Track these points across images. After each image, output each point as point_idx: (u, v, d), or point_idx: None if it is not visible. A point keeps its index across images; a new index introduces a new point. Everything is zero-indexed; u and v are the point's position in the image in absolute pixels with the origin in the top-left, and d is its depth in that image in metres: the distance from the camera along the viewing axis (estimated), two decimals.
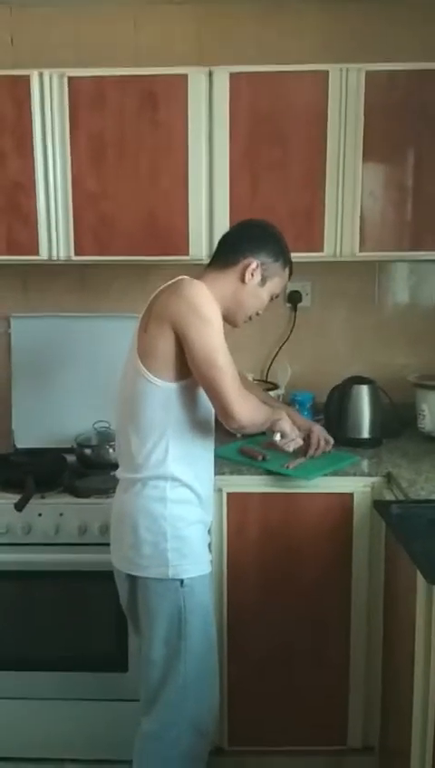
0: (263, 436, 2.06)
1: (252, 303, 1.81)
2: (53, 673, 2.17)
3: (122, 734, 2.06)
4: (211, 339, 1.65)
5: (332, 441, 2.13)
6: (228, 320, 1.82)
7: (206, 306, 1.66)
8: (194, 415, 1.73)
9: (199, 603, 1.75)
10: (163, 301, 1.68)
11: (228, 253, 1.80)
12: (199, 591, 1.75)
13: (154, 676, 1.76)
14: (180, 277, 1.73)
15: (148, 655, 1.76)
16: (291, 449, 1.95)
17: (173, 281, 1.73)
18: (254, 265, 1.77)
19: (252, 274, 1.77)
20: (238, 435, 2.15)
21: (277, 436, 1.90)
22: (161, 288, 1.73)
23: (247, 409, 1.71)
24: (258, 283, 1.79)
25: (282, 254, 1.82)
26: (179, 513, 1.72)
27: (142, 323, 1.72)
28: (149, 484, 1.72)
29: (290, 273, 1.88)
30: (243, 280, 1.77)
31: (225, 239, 1.86)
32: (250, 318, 1.85)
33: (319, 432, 2.10)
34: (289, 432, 1.90)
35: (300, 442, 1.97)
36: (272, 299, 1.86)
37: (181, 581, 1.71)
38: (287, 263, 1.85)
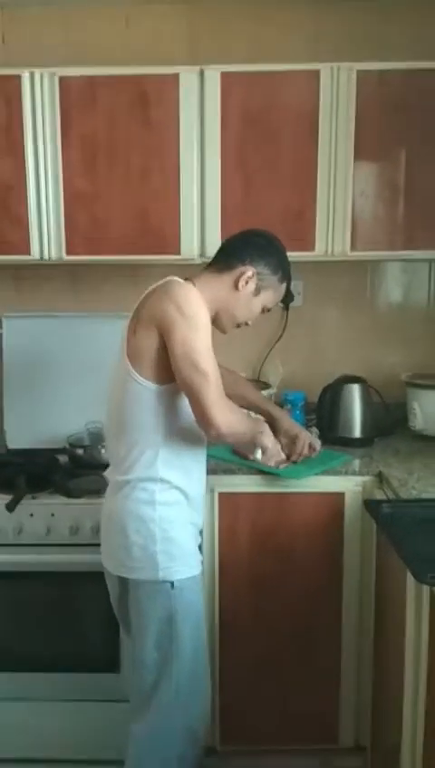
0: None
1: (242, 312, 1.79)
2: (45, 674, 2.16)
3: (114, 735, 2.06)
4: (195, 341, 1.61)
5: (318, 447, 2.09)
6: (217, 325, 1.80)
7: (193, 308, 1.63)
8: (184, 417, 1.71)
9: (190, 604, 1.74)
10: (151, 302, 1.67)
11: (227, 257, 1.78)
12: (190, 593, 1.74)
13: (146, 680, 1.75)
14: (169, 278, 1.71)
15: (140, 658, 1.75)
16: (272, 464, 1.96)
17: (162, 282, 1.71)
18: (250, 273, 1.75)
19: (246, 282, 1.75)
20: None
21: (258, 453, 1.89)
22: (150, 289, 1.71)
23: (228, 419, 1.65)
24: (252, 292, 1.77)
25: (281, 268, 1.80)
26: (168, 516, 1.72)
27: (131, 325, 1.70)
28: (139, 487, 1.71)
29: (287, 290, 1.86)
30: (236, 286, 1.75)
31: (228, 243, 1.84)
32: (238, 326, 1.83)
33: (305, 438, 2.06)
34: (270, 447, 1.91)
35: (282, 456, 1.97)
36: (263, 311, 1.84)
37: (172, 583, 1.71)
38: (286, 278, 1.83)
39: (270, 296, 1.81)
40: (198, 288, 1.73)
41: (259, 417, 2.05)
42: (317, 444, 2.10)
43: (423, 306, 2.63)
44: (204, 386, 1.61)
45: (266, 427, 1.90)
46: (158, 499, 1.71)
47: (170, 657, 1.72)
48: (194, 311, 1.63)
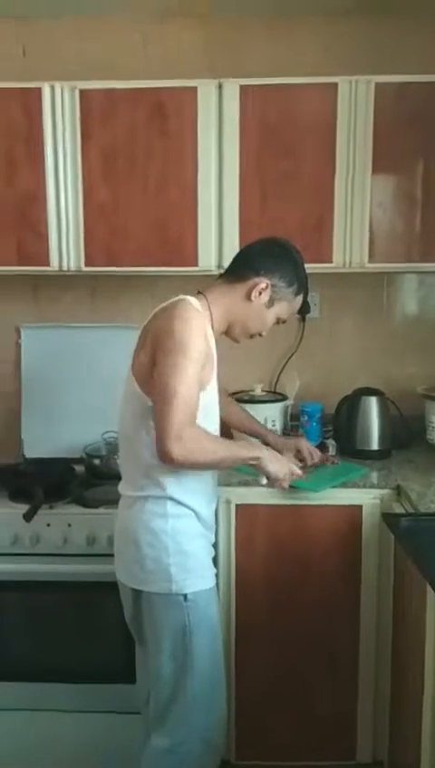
0: None
1: (255, 323, 1.78)
2: (60, 684, 2.16)
3: (128, 746, 2.05)
4: (175, 367, 1.56)
5: (317, 454, 2.12)
6: (229, 335, 1.80)
7: (185, 336, 1.58)
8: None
9: (205, 617, 1.73)
10: (155, 324, 1.66)
11: (242, 267, 1.77)
12: (204, 605, 1.73)
13: (163, 692, 1.74)
14: (179, 298, 1.68)
15: (155, 670, 1.75)
16: (286, 487, 1.82)
17: (170, 302, 1.68)
18: (263, 285, 1.73)
19: (259, 293, 1.73)
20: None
21: (263, 480, 1.79)
22: (160, 308, 1.69)
23: (187, 446, 1.55)
24: (265, 303, 1.75)
25: (297, 280, 1.78)
26: (181, 528, 1.71)
27: (138, 345, 1.69)
28: (150, 501, 1.71)
29: (303, 302, 1.84)
30: (249, 297, 1.74)
31: (243, 252, 1.83)
32: (252, 336, 1.82)
33: (307, 446, 2.09)
34: (274, 473, 1.76)
35: (299, 473, 1.83)
36: (278, 323, 1.82)
37: (185, 596, 1.70)
38: (301, 290, 1.81)
39: (284, 308, 1.80)
40: (211, 299, 1.73)
41: (254, 442, 2.03)
42: (316, 453, 2.12)
43: None
44: (167, 409, 1.55)
45: (263, 452, 1.76)
46: (170, 512, 1.70)
47: (186, 669, 1.71)
48: (187, 338, 1.59)
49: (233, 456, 1.71)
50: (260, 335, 1.83)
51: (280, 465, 1.77)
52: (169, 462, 1.57)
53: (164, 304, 1.70)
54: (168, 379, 1.57)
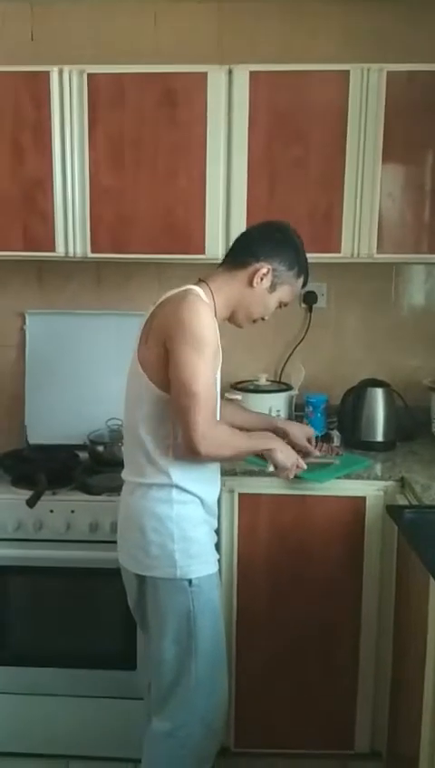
0: None
1: (257, 308, 1.78)
2: (62, 669, 2.17)
3: (129, 732, 2.07)
4: (193, 363, 1.59)
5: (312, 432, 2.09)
6: (233, 321, 1.81)
7: (198, 330, 1.61)
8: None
9: (208, 601, 1.75)
10: (162, 316, 1.66)
11: (242, 253, 1.77)
12: (208, 590, 1.75)
13: (166, 676, 1.76)
14: (185, 289, 1.69)
15: (159, 654, 1.76)
16: (292, 477, 1.88)
17: (176, 293, 1.68)
18: (264, 270, 1.73)
19: (261, 279, 1.74)
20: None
21: (270, 468, 1.85)
22: (165, 297, 1.70)
23: (210, 446, 1.62)
24: (267, 288, 1.75)
25: (298, 262, 1.78)
26: (186, 514, 1.72)
27: (143, 334, 1.70)
28: (155, 487, 1.72)
29: (304, 284, 1.84)
30: (251, 283, 1.74)
31: (242, 237, 1.83)
32: (255, 321, 1.82)
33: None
34: (281, 463, 1.82)
35: (304, 466, 1.88)
36: (280, 306, 1.83)
37: (190, 581, 1.71)
38: (302, 273, 1.81)
39: (286, 292, 1.80)
40: (214, 288, 1.72)
41: (265, 433, 2.00)
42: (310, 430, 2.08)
43: None
44: (191, 406, 1.59)
45: (275, 443, 1.83)
46: (175, 499, 1.71)
47: (190, 652, 1.73)
48: (199, 332, 1.61)
49: (249, 448, 1.80)
50: (263, 319, 1.83)
51: (288, 456, 1.83)
52: (195, 457, 1.64)
53: (170, 294, 1.70)
54: (188, 377, 1.59)
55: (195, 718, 1.76)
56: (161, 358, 1.64)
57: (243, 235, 1.84)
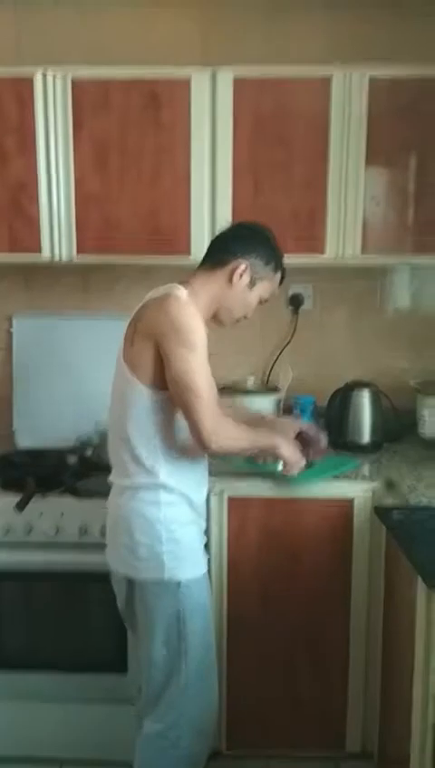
0: None
1: (239, 306, 1.80)
2: (52, 674, 2.16)
3: (120, 735, 2.06)
4: (190, 362, 1.62)
5: (324, 441, 2.06)
6: (216, 321, 1.81)
7: (190, 328, 1.63)
8: (183, 424, 1.70)
9: (197, 603, 1.75)
10: (148, 317, 1.67)
11: (219, 253, 1.78)
12: (197, 592, 1.75)
13: (156, 678, 1.76)
14: (168, 287, 1.70)
15: (149, 656, 1.76)
16: (295, 472, 1.90)
17: (159, 293, 1.69)
18: (243, 267, 1.75)
19: (240, 276, 1.75)
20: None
21: (280, 466, 1.90)
22: (148, 297, 1.71)
23: (220, 438, 1.66)
24: (247, 285, 1.77)
25: (273, 257, 1.80)
26: (174, 516, 1.72)
27: (128, 334, 1.71)
28: (142, 489, 1.72)
29: (282, 278, 1.86)
30: (231, 281, 1.75)
31: (218, 239, 1.84)
32: (238, 321, 1.84)
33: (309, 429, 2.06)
34: (290, 458, 1.86)
35: (304, 461, 1.90)
36: (261, 302, 1.84)
37: (178, 583, 1.71)
38: (279, 267, 1.82)
39: (266, 287, 1.81)
40: (196, 289, 1.73)
41: (275, 419, 2.06)
42: (324, 439, 2.05)
43: (433, 311, 2.62)
44: (196, 405, 1.62)
45: (281, 440, 1.86)
46: (162, 500, 1.72)
47: (179, 654, 1.73)
48: (190, 329, 1.63)
49: (254, 443, 1.83)
50: (245, 317, 1.84)
51: (294, 450, 1.88)
52: (209, 452, 1.71)
53: (155, 294, 1.71)
54: (190, 376, 1.62)
55: (185, 719, 1.76)
56: (151, 357, 1.65)
57: (217, 237, 1.86)
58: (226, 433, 1.68)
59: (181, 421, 1.69)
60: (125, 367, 1.70)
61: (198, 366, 1.63)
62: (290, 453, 1.86)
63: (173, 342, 1.62)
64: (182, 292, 1.69)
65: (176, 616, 1.71)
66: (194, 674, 1.75)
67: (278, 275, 1.84)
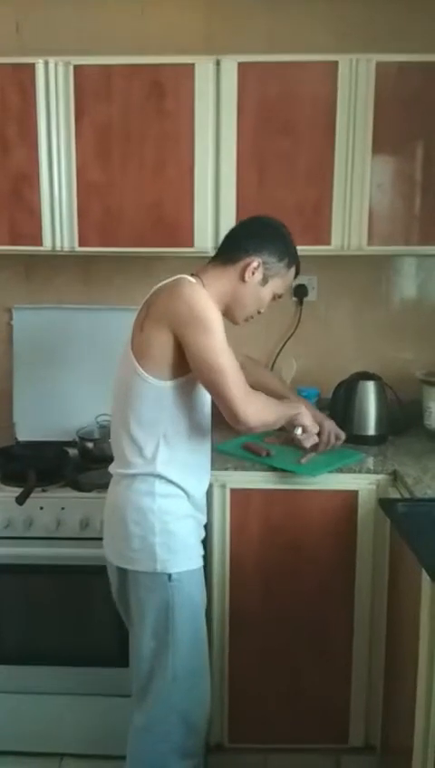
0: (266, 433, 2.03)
1: (251, 303, 1.78)
2: (53, 667, 2.15)
3: (121, 730, 2.04)
4: (211, 343, 1.61)
5: (343, 436, 2.11)
6: (228, 317, 1.79)
7: (206, 310, 1.62)
8: (189, 413, 1.71)
9: (188, 598, 1.73)
10: (161, 301, 1.66)
11: (232, 249, 1.76)
12: (189, 586, 1.73)
13: (143, 669, 1.76)
14: (179, 276, 1.69)
15: (139, 648, 1.76)
16: (309, 445, 1.96)
17: (171, 280, 1.69)
18: (255, 264, 1.73)
19: (253, 273, 1.73)
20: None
21: (298, 431, 1.91)
22: (159, 286, 1.70)
23: (255, 411, 1.68)
24: (259, 282, 1.75)
25: (287, 254, 1.78)
26: (168, 508, 1.71)
27: (138, 321, 1.70)
28: (138, 479, 1.71)
29: (296, 274, 1.84)
30: (243, 278, 1.73)
31: (230, 234, 1.82)
32: (251, 317, 1.82)
33: (329, 427, 2.07)
34: (310, 427, 1.92)
35: (316, 439, 1.97)
36: (274, 299, 1.82)
37: (169, 576, 1.70)
38: (293, 263, 1.80)
39: (279, 284, 1.79)
40: (206, 283, 1.71)
41: (296, 396, 2.08)
42: (341, 434, 2.10)
43: None
44: (224, 384, 1.63)
45: (303, 408, 1.91)
46: (157, 491, 1.70)
47: (166, 647, 1.72)
48: (207, 312, 1.62)
49: (282, 412, 1.84)
50: (259, 313, 1.83)
51: (313, 421, 1.94)
52: (245, 429, 1.70)
53: (163, 283, 1.70)
54: (213, 356, 1.62)
55: (172, 715, 1.75)
56: (161, 343, 1.64)
57: (230, 232, 1.84)
58: (259, 407, 1.70)
59: (186, 405, 1.68)
60: (131, 355, 1.68)
61: (218, 346, 1.62)
62: (310, 422, 1.91)
63: (191, 325, 1.61)
64: (193, 279, 1.69)
65: (165, 608, 1.71)
66: (181, 668, 1.73)
67: (292, 271, 1.82)
